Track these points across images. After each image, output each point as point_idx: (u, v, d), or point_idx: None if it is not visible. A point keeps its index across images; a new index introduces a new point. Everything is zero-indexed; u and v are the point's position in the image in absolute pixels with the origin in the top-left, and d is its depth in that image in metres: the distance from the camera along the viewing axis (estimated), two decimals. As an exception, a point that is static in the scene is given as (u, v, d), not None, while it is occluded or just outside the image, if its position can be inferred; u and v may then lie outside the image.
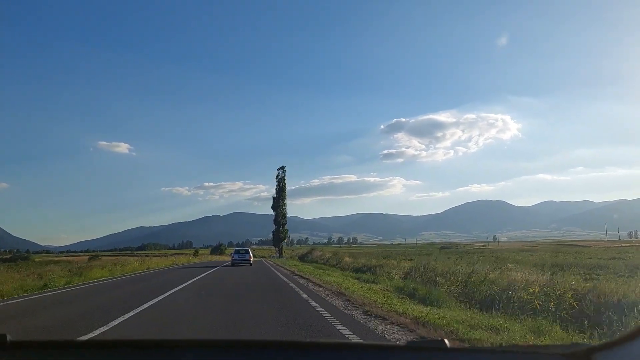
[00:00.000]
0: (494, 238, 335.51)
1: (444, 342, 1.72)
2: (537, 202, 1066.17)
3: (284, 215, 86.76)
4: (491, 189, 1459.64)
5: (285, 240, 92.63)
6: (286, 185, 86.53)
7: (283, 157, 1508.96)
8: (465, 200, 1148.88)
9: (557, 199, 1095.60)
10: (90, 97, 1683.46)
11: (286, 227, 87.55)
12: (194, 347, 1.94)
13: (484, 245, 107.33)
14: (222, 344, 1.98)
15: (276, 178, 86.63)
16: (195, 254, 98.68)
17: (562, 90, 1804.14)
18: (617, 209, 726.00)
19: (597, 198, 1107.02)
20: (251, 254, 40.20)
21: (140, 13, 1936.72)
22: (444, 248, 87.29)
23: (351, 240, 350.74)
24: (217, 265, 39.27)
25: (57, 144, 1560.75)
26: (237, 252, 40.68)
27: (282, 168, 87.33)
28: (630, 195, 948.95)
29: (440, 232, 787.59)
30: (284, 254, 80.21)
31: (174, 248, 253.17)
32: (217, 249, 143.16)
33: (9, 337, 1.72)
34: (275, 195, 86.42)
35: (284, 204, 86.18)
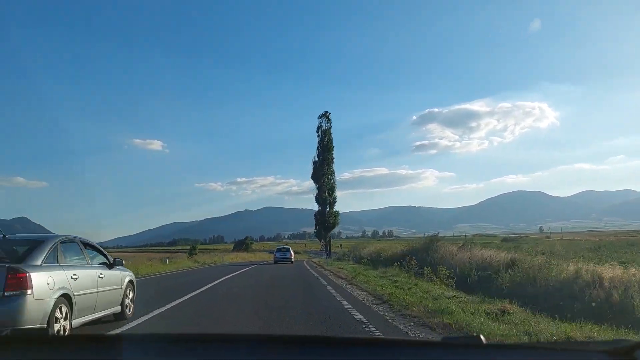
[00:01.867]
0: (540, 229, 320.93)
1: (480, 338, 1.66)
2: (576, 192, 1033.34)
3: (332, 189, 58.85)
4: (527, 180, 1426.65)
5: (335, 229, 62.93)
6: (333, 142, 59.09)
7: (313, 150, 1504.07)
8: (500, 191, 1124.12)
9: (597, 188, 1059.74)
10: (124, 96, 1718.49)
11: (336, 208, 59.43)
12: (218, 341, 1.90)
13: (547, 238, 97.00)
14: (245, 338, 1.93)
15: (317, 131, 59.57)
16: (192, 252, 62.18)
17: (602, 76, 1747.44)
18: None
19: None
20: (292, 252, 43.12)
21: (172, 12, 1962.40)
22: (505, 240, 75.05)
23: (387, 234, 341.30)
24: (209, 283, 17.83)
25: (93, 142, 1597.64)
26: (279, 250, 43.49)
27: (326, 115, 60.09)
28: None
29: (475, 225, 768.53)
30: (331, 252, 58.31)
31: (205, 243, 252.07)
32: (242, 244, 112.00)
33: (50, 332, 1.75)
34: (316, 159, 59.11)
35: (331, 172, 58.73)
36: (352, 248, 54.86)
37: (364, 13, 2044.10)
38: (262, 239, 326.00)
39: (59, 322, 6.72)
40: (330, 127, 59.80)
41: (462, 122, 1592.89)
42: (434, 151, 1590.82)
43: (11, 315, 5.99)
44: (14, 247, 7.18)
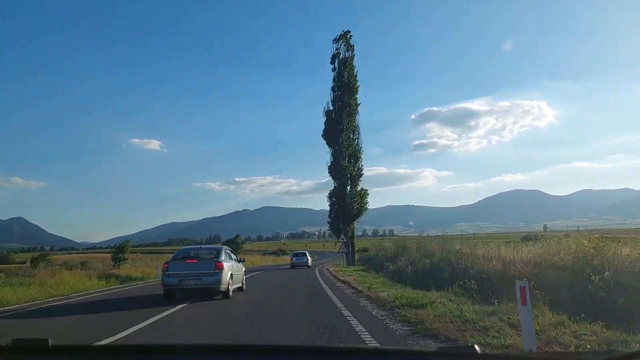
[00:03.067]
0: (544, 227, 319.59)
1: (474, 348, 1.64)
2: (574, 191, 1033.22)
3: (356, 154, 40.07)
4: (526, 179, 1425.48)
5: (360, 218, 43.15)
6: (357, 80, 40.33)
7: (312, 149, 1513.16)
8: (498, 190, 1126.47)
9: (595, 187, 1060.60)
10: (122, 96, 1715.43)
11: (360, 183, 41.08)
12: (211, 351, 1.86)
13: (567, 235, 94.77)
14: (239, 349, 1.87)
15: (332, 62, 41.08)
16: (117, 256, 36.65)
17: (602, 73, 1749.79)
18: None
19: (638, 185, 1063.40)
20: (309, 257, 42.06)
21: (171, 12, 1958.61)
22: (527, 238, 70.78)
23: (387, 233, 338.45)
24: None
25: (91, 142, 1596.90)
26: (296, 255, 43.07)
27: (345, 37, 41.04)
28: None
29: (473, 224, 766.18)
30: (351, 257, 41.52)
31: (201, 243, 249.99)
32: (231, 244, 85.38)
33: (50, 342, 1.76)
34: (330, 107, 39.97)
35: (354, 127, 39.96)
36: (394, 250, 28.37)
37: (363, 11, 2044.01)
38: (260, 238, 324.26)
39: (229, 287, 13.79)
40: (353, 55, 40.50)
41: (461, 121, 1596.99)
42: (432, 150, 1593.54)
43: (217, 280, 13.22)
44: (209, 251, 15.11)
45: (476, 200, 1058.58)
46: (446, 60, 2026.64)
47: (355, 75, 40.39)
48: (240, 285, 15.90)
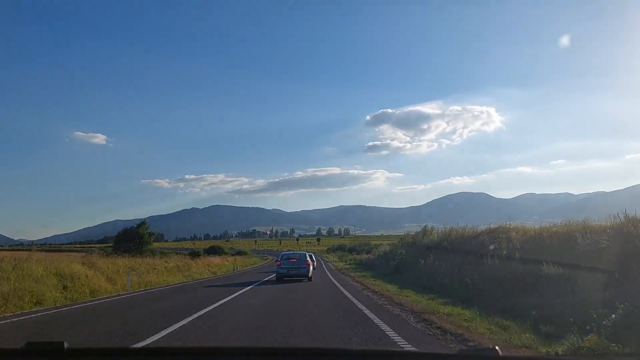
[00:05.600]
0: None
1: (496, 350, 1.64)
2: (518, 195, 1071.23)
3: None
4: (473, 181, 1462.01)
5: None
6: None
7: (266, 148, 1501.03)
8: (446, 192, 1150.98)
9: (538, 191, 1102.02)
10: (65, 86, 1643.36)
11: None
12: (243, 354, 1.88)
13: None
14: (267, 351, 1.88)
15: None
16: None
17: (548, 82, 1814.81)
18: (594, 201, 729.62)
19: (577, 190, 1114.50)
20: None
21: (119, 2, 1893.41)
22: None
23: (342, 232, 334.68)
24: None
25: (31, 134, 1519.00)
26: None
27: None
28: (608, 187, 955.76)
29: (421, 224, 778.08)
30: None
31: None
32: (131, 238, 51.14)
33: (66, 345, 1.74)
34: None
35: None
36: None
37: (320, 9, 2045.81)
38: (207, 237, 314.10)
39: (311, 275, 25.80)
40: None
41: (413, 123, 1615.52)
42: (385, 152, 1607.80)
43: (306, 271, 25.23)
44: (299, 255, 27.35)
45: (425, 202, 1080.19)
46: (402, 62, 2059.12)
47: None
48: (311, 274, 25.55)
